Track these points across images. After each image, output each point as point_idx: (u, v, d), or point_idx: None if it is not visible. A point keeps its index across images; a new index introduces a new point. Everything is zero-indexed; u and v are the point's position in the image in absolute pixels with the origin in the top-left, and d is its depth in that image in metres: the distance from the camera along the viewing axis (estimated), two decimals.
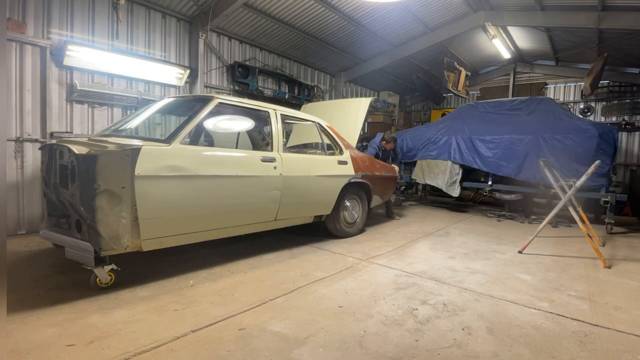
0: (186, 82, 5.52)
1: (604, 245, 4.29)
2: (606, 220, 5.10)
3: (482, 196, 7.45)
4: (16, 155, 3.91)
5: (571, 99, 9.02)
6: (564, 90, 9.13)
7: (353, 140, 4.87)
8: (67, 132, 4.26)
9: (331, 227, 4.09)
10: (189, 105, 3.32)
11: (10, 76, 3.83)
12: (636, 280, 3.03)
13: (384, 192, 4.79)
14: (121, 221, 2.25)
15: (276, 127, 3.44)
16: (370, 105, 5.91)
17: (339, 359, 1.71)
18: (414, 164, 6.98)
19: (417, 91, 10.74)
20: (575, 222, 3.77)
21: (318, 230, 4.36)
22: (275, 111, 3.53)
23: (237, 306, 2.23)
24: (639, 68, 7.95)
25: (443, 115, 8.84)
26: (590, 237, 3.65)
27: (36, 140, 4.03)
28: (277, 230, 4.23)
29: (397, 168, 5.30)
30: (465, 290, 2.66)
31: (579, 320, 2.21)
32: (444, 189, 6.30)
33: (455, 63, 8.35)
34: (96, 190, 2.15)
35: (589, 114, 8.64)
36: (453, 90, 8.47)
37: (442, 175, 6.33)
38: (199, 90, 5.59)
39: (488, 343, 1.90)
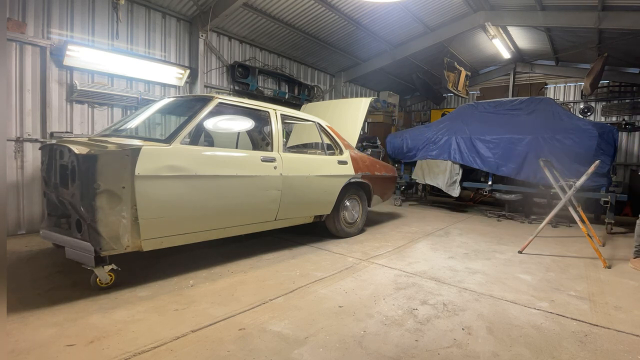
0: (186, 82, 5.52)
1: (604, 245, 4.29)
2: (606, 220, 5.10)
3: (482, 196, 7.45)
4: (16, 155, 3.91)
5: (571, 99, 9.02)
6: (564, 90, 9.14)
7: (353, 140, 4.87)
8: (67, 132, 4.26)
9: (331, 227, 4.09)
10: (189, 105, 3.32)
11: (10, 76, 3.83)
12: (636, 280, 3.03)
13: (384, 192, 4.79)
14: (121, 221, 2.25)
15: (276, 127, 3.44)
16: (370, 105, 5.91)
17: (339, 359, 1.71)
18: (414, 164, 6.98)
19: (417, 91, 10.75)
20: (575, 222, 3.77)
21: (318, 230, 4.36)
22: (275, 111, 3.53)
23: (237, 306, 2.24)
24: (639, 68, 7.95)
25: (443, 115, 8.84)
26: (590, 237, 3.65)
27: (36, 140, 4.03)
28: (277, 230, 4.23)
29: None
30: (465, 290, 2.66)
31: (579, 320, 2.21)
32: (444, 189, 6.30)
33: (455, 63, 8.36)
34: (96, 190, 2.15)
35: (589, 114, 8.64)
36: (453, 90, 8.47)
37: (442, 175, 6.33)
38: (199, 90, 5.59)
39: (488, 343, 1.90)
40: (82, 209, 2.16)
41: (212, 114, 2.96)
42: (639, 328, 2.13)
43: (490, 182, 6.11)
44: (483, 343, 1.90)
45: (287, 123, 4.30)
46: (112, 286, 2.42)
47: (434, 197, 8.40)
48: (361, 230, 4.53)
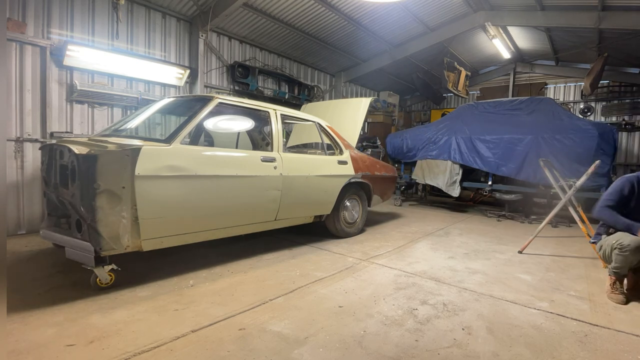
0: (186, 82, 5.52)
1: None
2: None
3: (482, 196, 7.45)
4: (16, 155, 3.91)
5: (571, 99, 9.02)
6: (564, 90, 9.14)
7: (353, 140, 4.86)
8: (67, 132, 4.26)
9: (331, 227, 4.09)
10: (189, 105, 3.32)
11: (10, 76, 3.83)
12: None
13: (384, 192, 4.79)
14: (121, 221, 2.25)
15: (276, 127, 3.44)
16: (370, 105, 5.90)
17: (339, 359, 1.71)
18: (414, 164, 6.98)
19: (417, 91, 10.75)
20: (575, 222, 3.77)
21: (318, 230, 4.36)
22: (275, 111, 3.53)
23: (237, 306, 2.24)
24: (639, 68, 7.95)
25: (443, 115, 8.84)
26: (590, 237, 3.65)
27: (36, 140, 4.03)
28: (277, 230, 4.23)
29: None
30: (465, 290, 2.66)
31: (579, 320, 2.21)
32: (444, 189, 6.30)
33: (455, 63, 8.36)
34: (96, 190, 2.15)
35: (589, 114, 8.64)
36: (453, 90, 8.47)
37: (442, 175, 6.33)
38: (199, 90, 5.59)
39: (488, 343, 1.90)
40: (82, 209, 2.16)
41: (212, 114, 2.96)
42: (639, 328, 2.13)
43: (490, 182, 6.11)
44: (483, 343, 1.90)
45: (287, 123, 4.30)
46: (112, 286, 2.42)
47: (434, 197, 8.39)
48: (361, 230, 4.53)
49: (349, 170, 4.04)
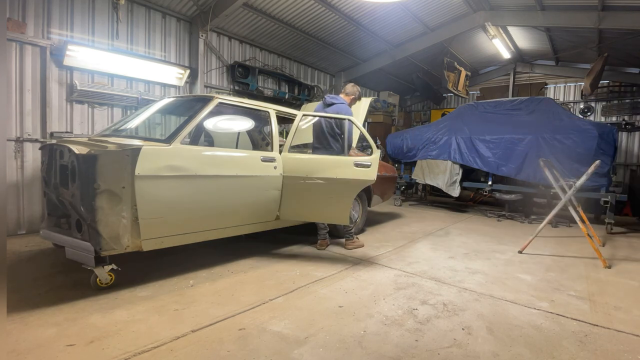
0: (186, 82, 5.52)
1: (604, 245, 4.29)
2: (606, 220, 5.10)
3: (482, 196, 7.45)
4: (16, 155, 3.91)
5: (571, 99, 9.02)
6: (564, 90, 9.13)
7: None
8: (67, 132, 4.26)
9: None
10: (189, 105, 3.32)
11: (10, 76, 3.83)
12: (636, 280, 3.03)
13: (384, 192, 4.79)
14: (121, 221, 2.25)
15: (276, 127, 3.44)
16: (370, 105, 5.90)
17: (339, 359, 1.71)
18: (414, 164, 6.98)
19: (417, 91, 10.74)
20: (575, 222, 3.77)
21: None
22: (275, 111, 3.52)
23: (237, 306, 2.23)
24: (639, 68, 7.95)
25: (443, 115, 8.84)
26: (590, 237, 3.65)
27: (36, 140, 4.03)
28: (277, 230, 4.23)
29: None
30: (465, 290, 2.66)
31: (579, 320, 2.21)
32: (444, 189, 6.30)
33: (455, 63, 8.35)
34: (96, 190, 2.15)
35: (589, 114, 8.63)
36: (453, 90, 8.47)
37: (442, 175, 6.33)
38: (199, 90, 5.59)
39: (488, 343, 1.90)
40: (82, 209, 2.16)
41: (212, 114, 2.95)
42: (639, 328, 2.13)
43: (490, 182, 6.11)
44: (483, 343, 1.90)
45: (287, 123, 4.30)
46: (112, 286, 2.42)
47: (434, 197, 8.40)
48: (361, 230, 4.53)
49: None
